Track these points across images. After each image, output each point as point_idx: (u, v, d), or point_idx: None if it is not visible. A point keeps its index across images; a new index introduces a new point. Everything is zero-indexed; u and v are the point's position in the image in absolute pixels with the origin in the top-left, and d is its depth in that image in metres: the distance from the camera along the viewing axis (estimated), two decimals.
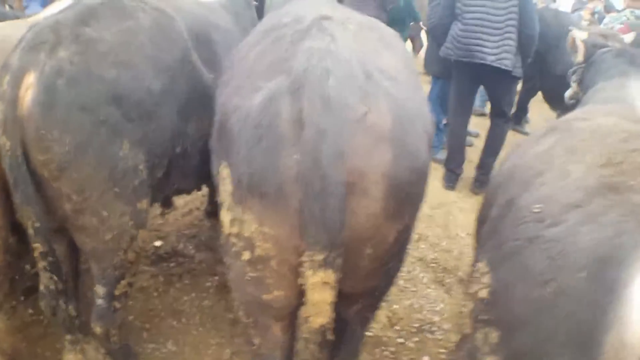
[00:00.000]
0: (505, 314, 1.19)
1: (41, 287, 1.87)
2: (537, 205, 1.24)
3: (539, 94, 5.33)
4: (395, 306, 2.85)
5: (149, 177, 1.90)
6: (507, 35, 3.67)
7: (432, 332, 2.74)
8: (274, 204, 1.28)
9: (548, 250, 1.12)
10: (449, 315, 2.86)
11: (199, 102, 2.11)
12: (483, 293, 1.30)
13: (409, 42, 7.24)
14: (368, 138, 1.27)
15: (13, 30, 2.00)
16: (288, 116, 1.25)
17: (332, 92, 1.21)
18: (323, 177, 1.18)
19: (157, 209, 2.53)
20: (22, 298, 2.45)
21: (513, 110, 5.05)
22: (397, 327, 2.74)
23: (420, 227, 3.52)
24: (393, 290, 2.23)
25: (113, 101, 1.72)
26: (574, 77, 2.71)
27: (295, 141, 1.23)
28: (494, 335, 1.22)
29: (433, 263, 3.26)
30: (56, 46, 1.67)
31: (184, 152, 2.12)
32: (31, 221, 1.72)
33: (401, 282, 3.03)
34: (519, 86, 4.76)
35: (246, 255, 1.41)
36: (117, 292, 1.97)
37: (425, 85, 4.32)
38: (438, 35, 4.04)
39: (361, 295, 1.63)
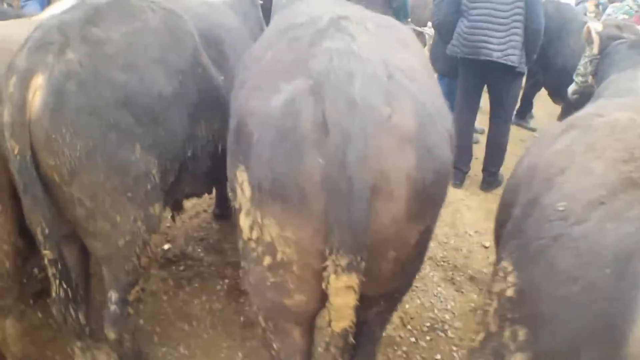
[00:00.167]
0: (532, 311, 1.20)
1: (52, 294, 1.85)
2: (561, 204, 1.24)
3: (543, 89, 5.31)
4: (406, 306, 2.83)
5: (161, 181, 1.87)
6: (513, 30, 3.63)
7: (444, 331, 2.73)
8: (297, 208, 1.25)
9: (574, 248, 1.13)
10: (460, 314, 2.86)
11: (209, 104, 2.08)
12: (509, 292, 1.30)
13: None
14: (393, 140, 1.24)
15: (16, 30, 1.96)
16: (310, 119, 1.22)
17: (357, 94, 1.19)
18: (349, 180, 1.16)
19: (167, 212, 2.50)
20: (31, 302, 2.43)
21: (517, 105, 5.04)
22: (409, 327, 2.72)
23: None
24: None
25: (123, 104, 1.69)
26: (589, 69, 2.70)
27: (318, 144, 1.21)
28: (521, 333, 1.23)
29: (442, 261, 3.24)
30: (64, 47, 1.63)
31: (195, 155, 2.09)
32: (41, 227, 1.69)
33: None
34: (523, 82, 4.71)
35: (267, 261, 1.39)
36: (130, 298, 1.95)
37: None
38: (444, 33, 4.00)
39: (381, 297, 1.62)
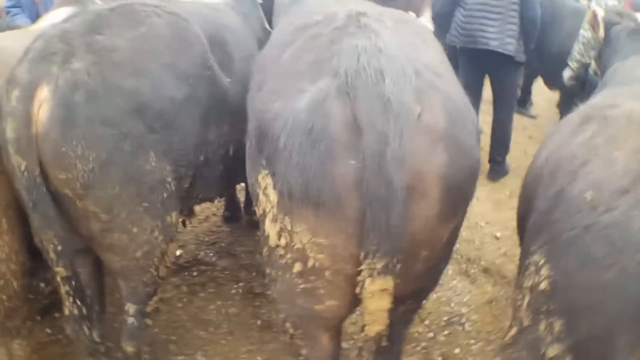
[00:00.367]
0: (569, 302, 1.24)
1: (65, 312, 1.80)
2: (589, 193, 1.27)
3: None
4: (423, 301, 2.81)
5: (177, 188, 1.82)
6: (509, 20, 3.66)
7: (461, 324, 2.72)
8: (330, 213, 1.22)
9: (607, 236, 1.17)
10: (476, 306, 2.84)
11: (218, 107, 2.03)
12: (543, 285, 1.32)
13: None
14: (425, 139, 1.22)
15: (12, 41, 1.90)
16: (340, 120, 1.18)
17: (390, 93, 1.15)
18: (387, 182, 1.13)
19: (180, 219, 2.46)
20: (39, 318, 2.38)
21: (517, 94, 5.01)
22: (427, 322, 2.71)
23: None
24: None
25: (136, 112, 1.64)
26: (591, 54, 2.69)
27: (350, 146, 1.17)
28: (557, 324, 1.26)
29: (456, 254, 3.22)
30: (69, 57, 1.58)
31: (207, 160, 2.04)
32: (53, 245, 1.64)
33: None
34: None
35: (297, 267, 1.36)
36: (148, 309, 1.91)
37: None
38: (442, 24, 3.99)
39: (410, 296, 1.60)
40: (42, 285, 2.39)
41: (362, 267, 1.25)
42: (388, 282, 1.27)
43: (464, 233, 3.47)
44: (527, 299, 1.39)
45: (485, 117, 4.95)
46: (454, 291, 2.93)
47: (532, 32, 3.70)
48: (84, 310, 1.74)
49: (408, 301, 1.63)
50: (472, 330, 2.68)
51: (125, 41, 1.67)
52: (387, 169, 1.13)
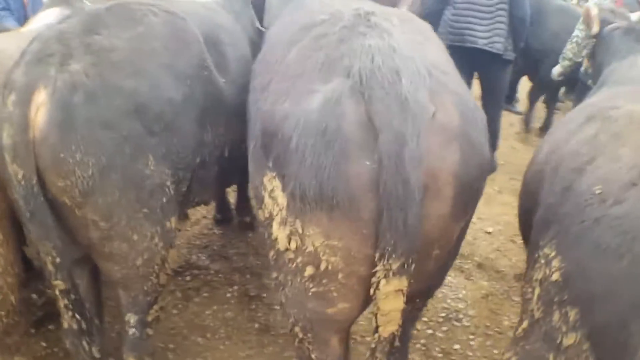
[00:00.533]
0: (582, 291, 1.27)
1: (64, 325, 1.73)
2: (597, 187, 1.32)
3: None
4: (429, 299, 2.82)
5: (176, 192, 1.77)
6: (497, 18, 3.69)
7: (459, 320, 2.74)
8: (345, 214, 1.20)
9: (617, 227, 1.22)
10: (472, 301, 2.87)
11: (215, 107, 1.99)
12: (555, 276, 1.35)
13: None
14: (440, 138, 1.21)
15: (7, 44, 1.83)
16: (354, 120, 1.17)
17: (407, 93, 1.14)
18: (405, 182, 1.12)
19: None
20: (33, 331, 2.29)
21: None
22: (425, 319, 2.71)
23: None
24: None
25: (135, 114, 1.58)
26: (584, 52, 2.73)
27: (364, 146, 1.16)
28: (572, 313, 1.29)
29: None
30: (66, 58, 1.52)
31: (203, 162, 2.00)
32: (51, 257, 1.57)
33: None
34: None
35: (309, 271, 1.33)
36: (149, 319, 1.86)
37: None
38: (433, 23, 4.00)
39: (419, 295, 1.59)
40: (35, 296, 2.31)
41: (377, 268, 1.23)
42: (403, 283, 1.26)
43: None
44: (537, 291, 1.42)
45: None
46: (450, 287, 2.95)
47: (522, 30, 3.75)
48: (84, 325, 1.68)
49: (417, 300, 1.62)
50: (470, 325, 2.70)
51: (123, 41, 1.61)
52: (405, 169, 1.12)
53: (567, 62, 3.47)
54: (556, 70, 3.67)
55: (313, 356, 1.57)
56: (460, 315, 2.76)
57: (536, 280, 1.42)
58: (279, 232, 1.37)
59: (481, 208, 3.75)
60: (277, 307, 2.71)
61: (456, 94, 1.28)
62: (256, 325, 2.59)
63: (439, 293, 2.91)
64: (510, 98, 5.61)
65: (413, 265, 1.24)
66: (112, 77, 1.54)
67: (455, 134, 1.24)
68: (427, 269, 1.40)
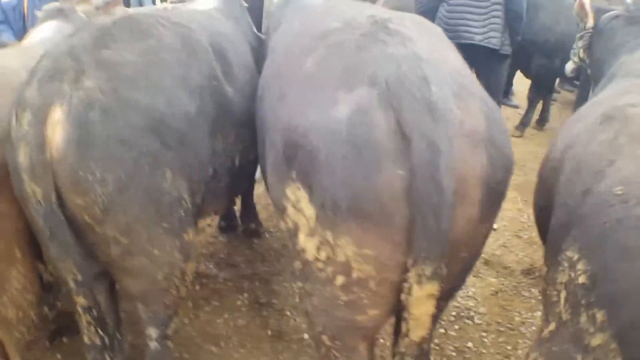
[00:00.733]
0: (609, 292, 1.28)
1: (85, 341, 1.71)
2: (619, 188, 1.32)
3: None
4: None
5: (192, 204, 1.76)
6: (493, 13, 3.69)
7: (470, 318, 2.76)
8: (377, 223, 1.21)
9: None
10: (482, 299, 2.90)
11: (225, 117, 1.98)
12: (581, 279, 1.36)
13: None
14: (468, 143, 1.22)
15: (12, 60, 1.80)
16: (384, 129, 1.17)
17: (437, 100, 1.14)
18: (439, 189, 1.13)
19: None
20: (48, 344, 2.26)
21: None
22: None
23: None
24: None
25: (151, 128, 1.56)
26: (580, 44, 2.70)
27: (395, 155, 1.16)
28: (599, 315, 1.30)
29: None
30: (79, 74, 1.49)
31: (215, 173, 1.98)
32: (72, 274, 1.56)
33: None
34: None
35: (339, 280, 1.34)
36: (169, 332, 1.84)
37: None
38: (428, 20, 4.01)
39: (443, 297, 1.60)
40: (46, 309, 2.28)
41: (410, 274, 1.24)
42: (435, 287, 1.27)
43: None
44: (563, 294, 1.42)
45: None
46: None
47: (518, 24, 3.74)
48: (106, 340, 1.67)
49: (441, 302, 1.63)
50: (482, 322, 2.72)
51: (135, 55, 1.59)
52: (439, 176, 1.13)
53: (577, 58, 3.46)
54: (569, 67, 3.64)
55: None
56: (472, 313, 2.78)
57: (561, 283, 1.43)
58: (307, 243, 1.36)
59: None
60: (289, 314, 2.72)
61: (480, 97, 1.30)
62: (269, 332, 2.58)
63: None
64: (506, 92, 5.66)
65: (445, 270, 1.25)
66: (127, 92, 1.52)
67: (482, 138, 1.25)
68: (454, 271, 1.41)
